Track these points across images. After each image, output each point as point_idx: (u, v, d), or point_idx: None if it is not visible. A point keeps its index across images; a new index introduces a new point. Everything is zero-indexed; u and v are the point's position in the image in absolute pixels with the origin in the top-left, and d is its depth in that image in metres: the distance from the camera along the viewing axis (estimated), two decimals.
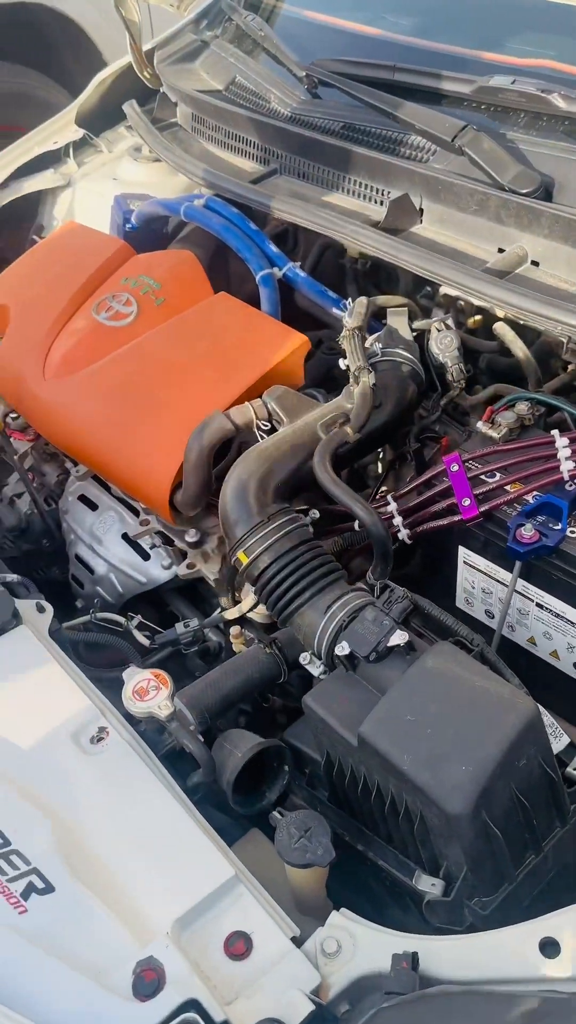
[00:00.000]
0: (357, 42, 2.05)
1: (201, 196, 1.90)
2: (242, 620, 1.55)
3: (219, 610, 1.64)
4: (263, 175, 1.86)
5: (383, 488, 1.64)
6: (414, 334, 1.58)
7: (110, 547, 1.73)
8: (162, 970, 0.93)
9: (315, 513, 1.39)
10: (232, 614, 1.54)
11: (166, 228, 2.12)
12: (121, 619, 1.65)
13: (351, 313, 1.54)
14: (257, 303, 1.75)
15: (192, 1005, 0.90)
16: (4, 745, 1.22)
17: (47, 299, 1.78)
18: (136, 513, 1.72)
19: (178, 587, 1.73)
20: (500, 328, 1.56)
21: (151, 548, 1.70)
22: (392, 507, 1.37)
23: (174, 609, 1.77)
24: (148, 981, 0.92)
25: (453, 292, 1.53)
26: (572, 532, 1.22)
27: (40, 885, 1.03)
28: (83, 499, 1.80)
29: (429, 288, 1.79)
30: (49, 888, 1.03)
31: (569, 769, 1.14)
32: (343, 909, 1.05)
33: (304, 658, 1.24)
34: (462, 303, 1.66)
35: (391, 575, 1.33)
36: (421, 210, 1.63)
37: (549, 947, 0.90)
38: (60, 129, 2.35)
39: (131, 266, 1.80)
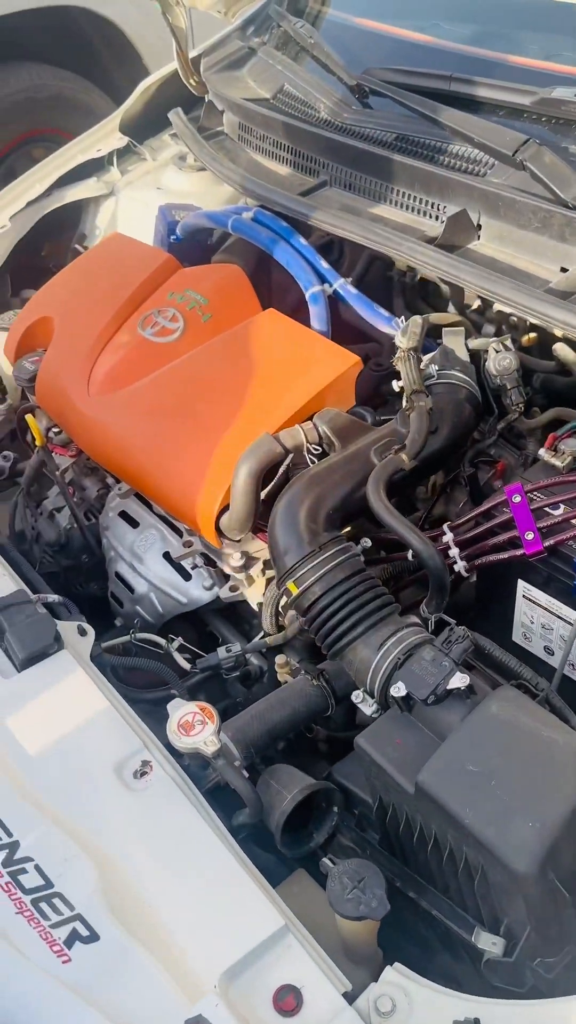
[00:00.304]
0: (410, 50, 2.00)
1: (249, 209, 1.86)
2: (286, 646, 1.51)
3: (261, 635, 1.60)
4: (312, 187, 1.81)
5: (433, 512, 1.59)
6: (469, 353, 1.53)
7: (151, 566, 1.69)
8: None
9: (366, 542, 1.34)
10: (276, 640, 1.50)
11: (210, 239, 2.08)
12: (161, 640, 1.62)
13: (405, 332, 1.49)
14: (300, 315, 1.71)
15: None
16: (46, 777, 1.19)
17: (92, 312, 1.75)
18: (178, 532, 1.68)
19: (218, 607, 1.70)
20: (561, 349, 1.50)
21: (192, 568, 1.66)
22: (448, 537, 1.32)
23: (213, 630, 1.73)
24: None
25: (511, 311, 1.48)
26: None
27: (84, 933, 1.00)
28: (124, 515, 1.77)
29: (480, 303, 1.74)
30: (94, 936, 0.99)
31: None
32: (397, 964, 1.00)
33: (357, 696, 1.19)
34: (515, 319, 1.61)
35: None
36: (478, 226, 1.57)
37: None
38: (104, 137, 2.32)
39: (177, 280, 1.76)
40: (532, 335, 1.60)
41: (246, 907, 1.05)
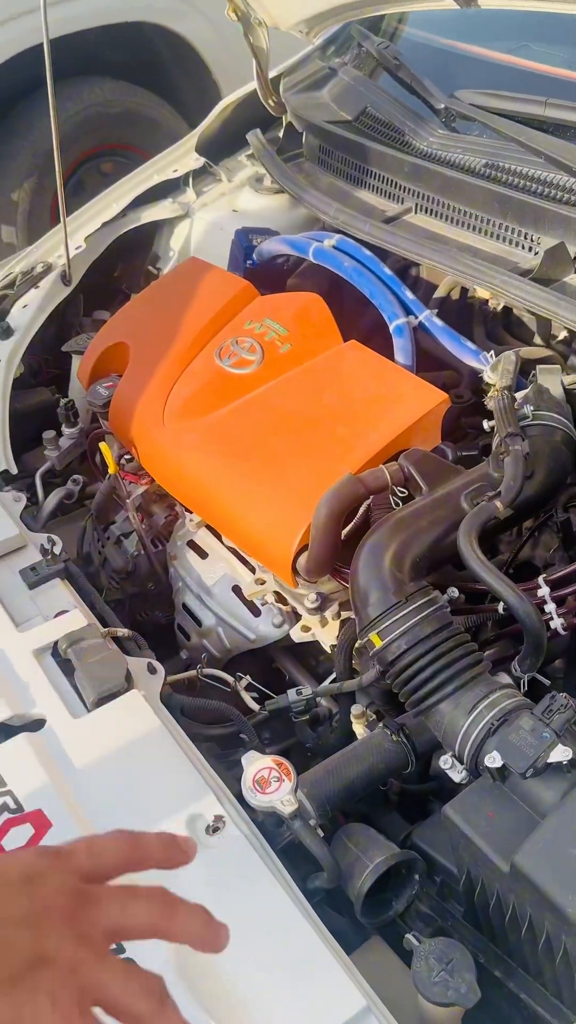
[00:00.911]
0: (497, 72, 1.94)
1: (330, 236, 1.81)
2: (360, 691, 1.45)
3: (332, 678, 1.54)
4: (397, 214, 1.76)
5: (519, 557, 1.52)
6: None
7: (219, 599, 1.66)
8: None
9: (454, 592, 1.27)
10: (351, 686, 1.44)
11: (285, 264, 2.04)
12: (229, 678, 1.57)
13: (496, 369, 1.43)
14: (373, 343, 1.65)
15: None
16: (118, 828, 1.15)
17: (167, 339, 1.71)
18: (248, 565, 1.64)
19: (285, 645, 1.65)
20: None
21: (262, 604, 1.61)
22: (544, 592, 1.25)
23: (279, 666, 1.69)
24: None
25: None
26: None
27: None
28: (192, 545, 1.74)
29: (567, 334, 1.67)
30: None
31: None
32: None
33: (445, 762, 1.13)
34: None
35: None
36: (575, 259, 1.50)
37: None
38: (180, 157, 2.29)
39: (256, 308, 1.72)
40: None
41: (327, 984, 0.99)
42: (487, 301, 1.84)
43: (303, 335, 1.63)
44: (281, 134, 2.19)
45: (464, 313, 1.86)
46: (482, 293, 1.78)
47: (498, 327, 1.85)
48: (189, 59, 4.10)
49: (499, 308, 1.84)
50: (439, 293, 1.87)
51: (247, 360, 1.62)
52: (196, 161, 2.28)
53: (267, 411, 1.52)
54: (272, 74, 2.23)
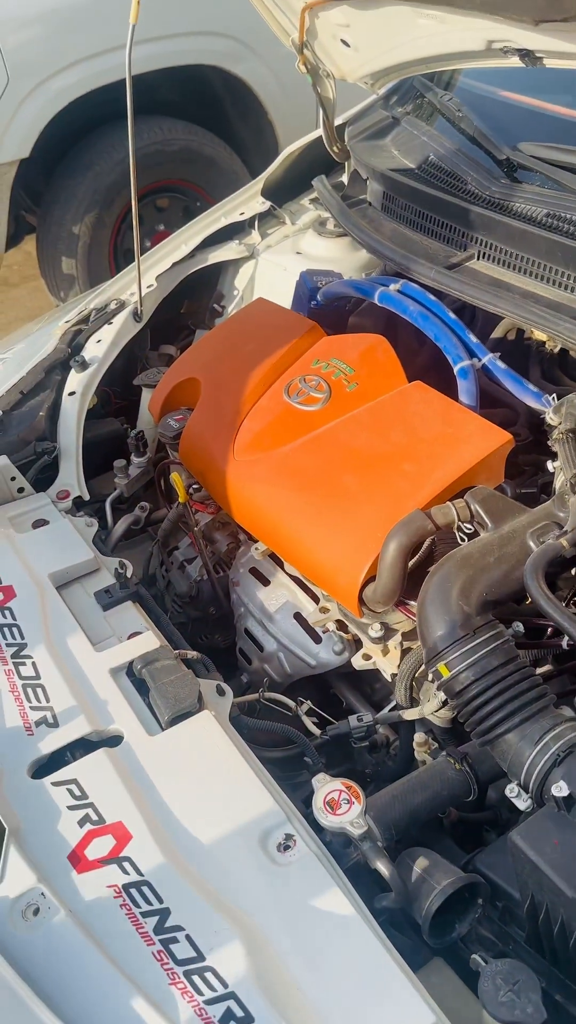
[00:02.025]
0: (559, 127, 2.01)
1: (394, 280, 1.89)
2: (419, 720, 1.50)
3: (392, 705, 1.59)
4: (460, 261, 1.83)
5: None
6: None
7: (281, 625, 1.71)
8: None
9: (519, 626, 1.33)
10: (412, 715, 1.49)
11: (347, 305, 2.12)
12: (291, 703, 1.63)
13: (560, 411, 1.49)
14: (428, 381, 1.71)
15: None
16: (192, 843, 1.21)
17: (238, 376, 1.80)
18: (310, 593, 1.70)
19: (343, 671, 1.70)
20: None
21: (323, 632, 1.67)
22: None
23: (337, 692, 1.74)
24: None
25: None
26: None
27: (239, 1013, 1.00)
28: (255, 572, 1.80)
29: None
30: (248, 1018, 0.99)
31: None
32: None
33: (511, 791, 1.17)
34: None
35: None
36: None
37: None
38: (246, 201, 2.40)
39: (322, 348, 1.80)
40: None
41: (397, 998, 1.04)
42: (544, 343, 1.90)
43: (369, 374, 1.70)
44: (346, 180, 2.28)
45: (521, 354, 1.92)
46: (539, 335, 1.85)
47: (554, 368, 1.91)
48: (246, 100, 4.24)
49: (556, 350, 1.90)
50: (496, 335, 1.94)
51: (315, 398, 1.69)
52: (262, 205, 2.38)
53: (335, 447, 1.59)
54: (337, 122, 2.33)
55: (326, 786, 1.23)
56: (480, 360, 1.71)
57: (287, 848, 1.20)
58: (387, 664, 1.56)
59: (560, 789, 1.08)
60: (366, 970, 1.07)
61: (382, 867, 1.17)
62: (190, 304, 2.40)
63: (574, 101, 2.04)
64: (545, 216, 1.78)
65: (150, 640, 1.52)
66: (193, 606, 1.91)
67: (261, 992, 1.02)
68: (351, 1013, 1.02)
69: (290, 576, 1.75)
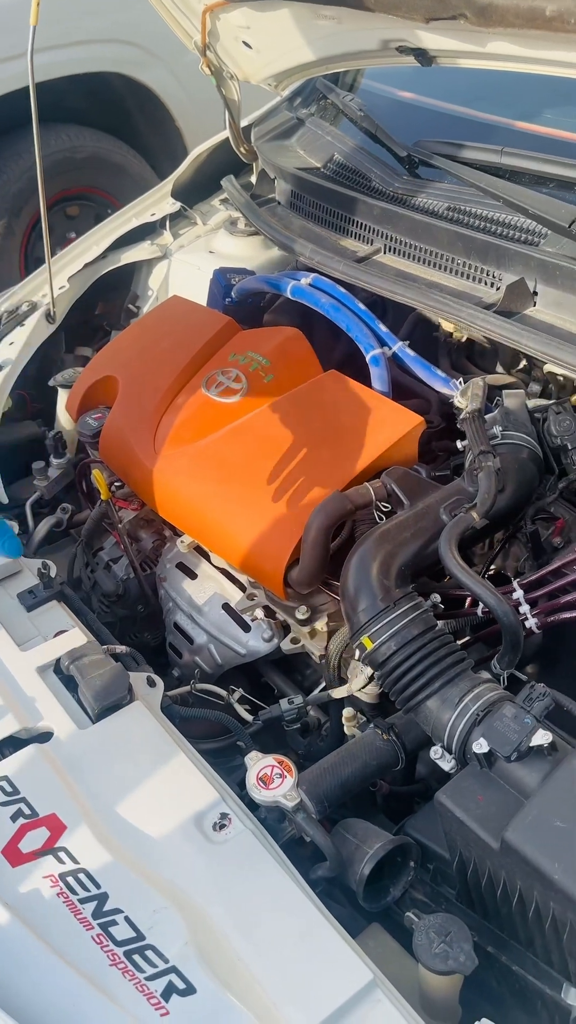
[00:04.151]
0: (456, 124, 2.09)
1: (306, 275, 1.94)
2: (348, 699, 1.53)
3: (322, 686, 1.62)
4: (368, 254, 1.88)
5: (491, 568, 1.63)
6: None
7: (210, 616, 1.73)
8: None
9: (436, 597, 1.38)
10: (340, 693, 1.53)
11: (261, 301, 2.16)
12: (222, 692, 1.65)
13: (466, 394, 1.55)
14: (346, 375, 1.75)
15: None
16: (128, 828, 1.22)
17: (155, 372, 1.81)
18: (237, 583, 1.72)
19: (272, 659, 1.73)
20: None
21: (251, 620, 1.69)
22: (518, 594, 1.36)
23: (268, 680, 1.76)
24: None
25: (568, 373, 1.53)
26: None
27: (180, 986, 1.01)
28: (182, 567, 1.81)
29: (526, 363, 1.80)
30: (190, 989, 1.01)
31: None
32: (484, 1020, 1.01)
33: (435, 752, 1.22)
34: (562, 379, 1.66)
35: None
36: (535, 293, 1.64)
37: None
38: (156, 202, 2.41)
39: (238, 341, 1.83)
40: None
41: (334, 961, 1.07)
42: (451, 334, 1.97)
43: (285, 366, 1.74)
44: (254, 180, 2.32)
45: (430, 345, 1.99)
46: (446, 326, 1.92)
47: (462, 358, 1.98)
48: (153, 107, 4.25)
49: (463, 340, 1.97)
50: (407, 327, 2.00)
51: (233, 389, 1.72)
52: (172, 206, 2.40)
53: (255, 436, 1.62)
54: (243, 123, 2.37)
55: (259, 763, 1.26)
56: (390, 348, 1.77)
57: (222, 827, 1.21)
58: (315, 646, 1.59)
59: (480, 746, 1.13)
60: (304, 937, 1.09)
61: (316, 837, 1.20)
62: (104, 305, 2.40)
63: (471, 99, 2.13)
64: (446, 209, 1.85)
65: (77, 637, 1.52)
66: (120, 605, 1.91)
67: (202, 964, 1.03)
68: (290, 978, 1.04)
69: (217, 568, 1.77)
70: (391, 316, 2.04)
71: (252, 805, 1.27)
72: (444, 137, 1.98)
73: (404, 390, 1.87)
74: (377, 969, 1.07)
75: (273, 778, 1.24)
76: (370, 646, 1.29)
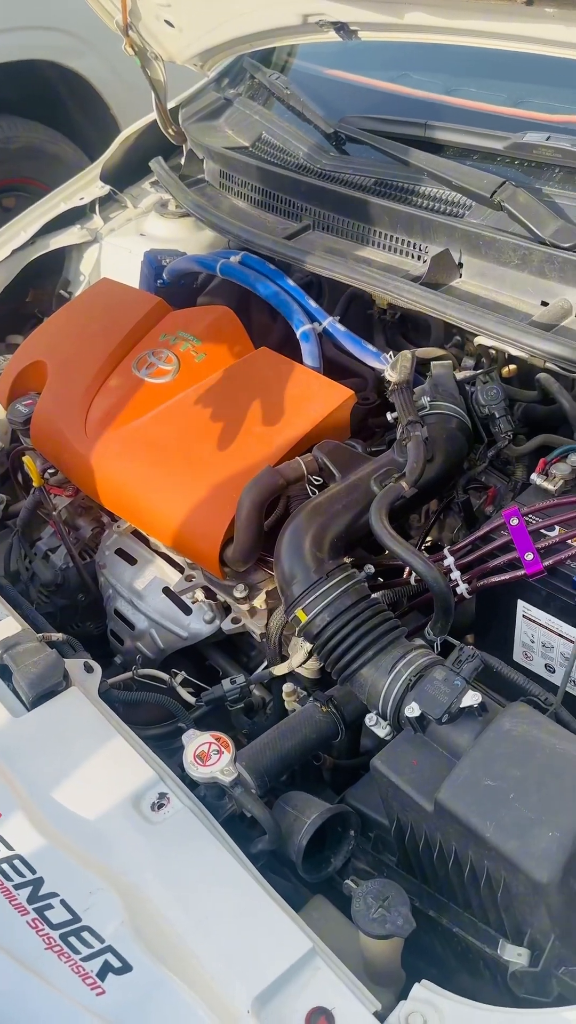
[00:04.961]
0: (380, 99, 2.09)
1: (236, 253, 1.92)
2: (290, 675, 1.53)
3: (264, 665, 1.62)
4: (297, 231, 1.88)
5: (428, 539, 1.64)
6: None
7: (151, 602, 1.72)
8: None
9: (370, 569, 1.38)
10: (281, 670, 1.53)
11: (195, 282, 2.14)
12: (165, 676, 1.63)
13: (395, 367, 1.55)
14: (283, 353, 1.75)
15: None
16: (64, 813, 1.20)
17: (85, 355, 1.78)
18: (177, 567, 1.71)
19: (216, 641, 1.72)
20: (546, 379, 1.57)
21: (192, 603, 1.68)
22: (449, 561, 1.37)
23: (213, 663, 1.75)
24: None
25: (493, 343, 1.54)
26: None
27: (116, 964, 1.00)
28: (121, 553, 1.79)
29: (459, 337, 1.81)
30: (126, 967, 1.00)
31: None
32: (425, 981, 1.02)
33: (370, 719, 1.22)
34: (494, 351, 1.68)
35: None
36: (460, 264, 1.64)
37: None
38: (85, 186, 2.37)
39: (169, 322, 1.81)
40: (512, 367, 1.67)
41: (273, 932, 1.06)
42: (385, 310, 1.98)
43: (216, 345, 1.73)
44: (183, 161, 2.30)
45: (366, 323, 1.99)
46: (380, 303, 1.92)
47: (397, 335, 1.98)
48: (87, 95, 4.19)
49: (396, 317, 1.97)
50: (341, 304, 2.00)
51: (164, 370, 1.70)
52: (101, 189, 2.36)
53: (187, 416, 1.61)
54: (170, 105, 2.34)
55: (195, 740, 1.25)
56: (320, 324, 1.76)
57: (160, 806, 1.20)
58: (255, 625, 1.59)
59: (412, 710, 1.13)
60: (242, 911, 1.09)
61: (254, 810, 1.19)
62: (35, 292, 2.36)
63: (397, 75, 2.13)
64: (373, 184, 1.85)
65: (10, 625, 1.49)
66: (60, 595, 1.88)
67: (138, 942, 1.02)
68: (229, 951, 1.04)
69: (156, 552, 1.75)
70: (327, 295, 2.04)
71: (192, 784, 1.27)
72: (371, 113, 1.98)
73: (342, 369, 1.87)
74: (317, 938, 1.07)
75: (210, 755, 1.23)
76: (304, 619, 1.29)
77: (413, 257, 1.71)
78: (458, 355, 1.81)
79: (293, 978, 1.02)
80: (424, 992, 1.00)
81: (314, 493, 1.45)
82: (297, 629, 1.32)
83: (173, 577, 1.70)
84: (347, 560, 1.39)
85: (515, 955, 1.04)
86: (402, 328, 1.98)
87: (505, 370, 1.69)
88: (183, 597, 1.68)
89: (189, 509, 1.51)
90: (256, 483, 1.42)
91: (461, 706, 1.11)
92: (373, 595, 1.36)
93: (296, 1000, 1.01)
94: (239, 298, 2.02)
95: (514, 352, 1.52)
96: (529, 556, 1.26)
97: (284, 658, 1.55)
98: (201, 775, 1.22)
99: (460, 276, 1.65)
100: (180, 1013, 0.97)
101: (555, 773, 1.03)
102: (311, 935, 1.07)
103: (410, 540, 1.66)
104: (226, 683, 1.56)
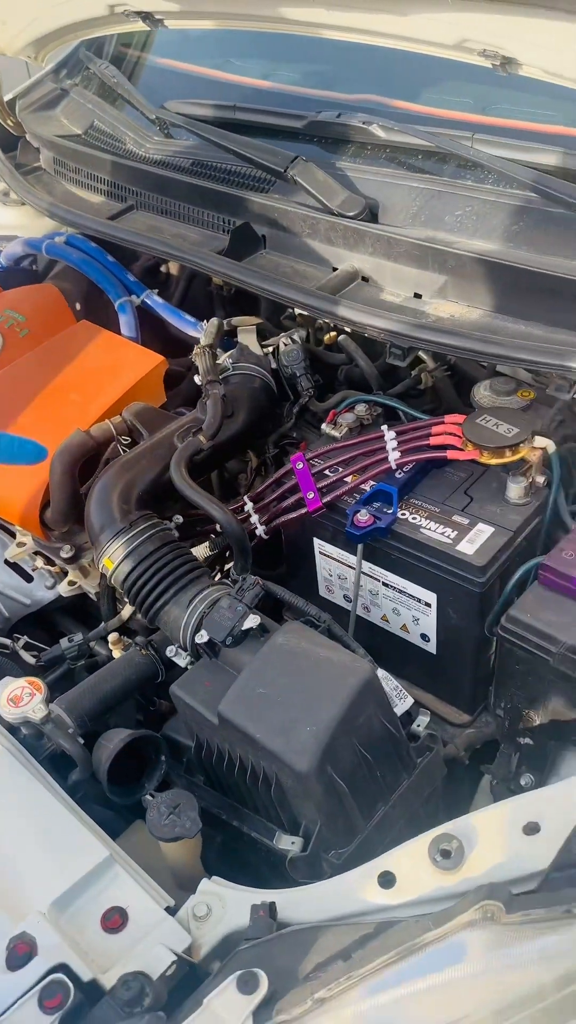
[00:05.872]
0: (205, 85, 2.19)
1: (63, 234, 2.00)
2: (125, 629, 1.62)
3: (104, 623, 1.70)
4: (119, 212, 1.96)
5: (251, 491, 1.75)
6: (267, 350, 1.71)
7: None
8: (34, 943, 0.99)
9: (178, 518, 1.48)
10: (113, 624, 1.61)
11: (35, 266, 2.20)
12: (7, 641, 1.70)
13: (205, 333, 1.65)
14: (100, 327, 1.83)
15: (61, 968, 0.96)
16: None
17: None
18: (12, 535, 1.77)
19: (65, 607, 1.80)
20: (344, 340, 1.69)
21: (33, 570, 1.75)
22: (249, 507, 1.48)
23: (63, 629, 1.83)
24: (20, 954, 0.98)
25: (299, 310, 1.66)
26: (403, 514, 1.34)
27: None
28: None
29: (290, 309, 1.93)
30: None
31: (413, 727, 1.24)
32: (214, 876, 1.12)
33: (171, 651, 1.32)
34: (321, 322, 1.80)
35: (265, 577, 1.42)
36: (264, 237, 1.76)
37: (386, 881, 1.00)
38: None
39: None
40: (333, 334, 1.80)
41: (74, 844, 1.15)
42: (222, 287, 2.08)
43: (41, 321, 1.80)
44: (18, 151, 2.35)
45: (207, 299, 2.10)
46: (217, 280, 2.02)
47: (236, 309, 2.09)
48: None
49: (232, 292, 2.08)
50: (183, 282, 2.09)
51: None
52: None
53: (8, 388, 1.68)
54: (8, 97, 2.39)
55: (9, 685, 1.33)
56: (139, 297, 1.86)
57: None
58: (90, 585, 1.67)
59: (201, 636, 1.24)
60: (49, 830, 1.17)
61: (64, 743, 1.28)
62: None
63: (220, 62, 2.23)
64: (191, 164, 1.94)
65: None
66: None
67: None
68: (31, 862, 1.12)
69: None
70: (173, 276, 2.13)
71: (12, 728, 1.34)
72: (194, 98, 2.08)
73: (179, 344, 1.96)
74: (118, 848, 1.16)
75: (23, 697, 1.32)
76: (111, 566, 1.38)
77: (223, 231, 1.82)
78: (290, 326, 1.92)
79: (92, 884, 1.11)
80: (210, 886, 1.10)
81: (125, 452, 1.54)
82: (109, 578, 1.41)
83: (10, 545, 1.77)
84: (168, 513, 1.48)
85: (289, 843, 1.15)
86: (238, 302, 2.09)
87: (327, 336, 1.81)
88: (23, 565, 1.75)
89: (10, 477, 1.58)
90: (66, 446, 1.51)
91: (243, 628, 1.22)
92: (198, 545, 1.45)
93: (94, 903, 1.09)
94: (89, 282, 2.09)
95: (301, 312, 1.62)
96: (311, 495, 1.38)
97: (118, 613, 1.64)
98: (13, 716, 1.30)
99: (264, 247, 1.76)
100: None
101: (314, 676, 1.14)
102: (112, 846, 1.16)
103: (235, 497, 1.77)
104: (64, 642, 1.63)
